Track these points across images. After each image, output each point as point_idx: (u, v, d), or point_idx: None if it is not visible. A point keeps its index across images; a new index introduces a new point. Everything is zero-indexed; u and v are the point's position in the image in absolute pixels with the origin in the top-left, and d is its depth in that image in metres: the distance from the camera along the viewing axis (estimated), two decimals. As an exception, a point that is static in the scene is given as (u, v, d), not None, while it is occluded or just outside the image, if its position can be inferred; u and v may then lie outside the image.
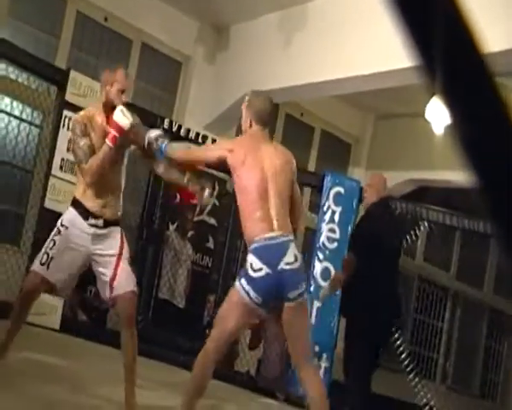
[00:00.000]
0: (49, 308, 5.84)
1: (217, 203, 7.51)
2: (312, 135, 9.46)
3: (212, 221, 7.47)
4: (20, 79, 6.70)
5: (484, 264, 10.50)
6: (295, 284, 3.31)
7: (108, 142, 3.64)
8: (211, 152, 3.63)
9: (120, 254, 3.76)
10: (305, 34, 7.17)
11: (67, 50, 7.58)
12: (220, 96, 8.11)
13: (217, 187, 7.54)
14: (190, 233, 7.23)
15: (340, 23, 6.71)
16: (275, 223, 3.36)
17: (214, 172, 7.38)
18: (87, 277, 6.89)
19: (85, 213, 3.72)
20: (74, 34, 7.63)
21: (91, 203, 3.73)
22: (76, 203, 3.76)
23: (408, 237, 7.02)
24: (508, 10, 5.26)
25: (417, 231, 7.87)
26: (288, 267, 3.29)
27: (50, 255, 3.67)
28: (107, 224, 3.77)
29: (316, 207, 7.82)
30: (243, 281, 3.33)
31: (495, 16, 5.10)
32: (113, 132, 3.64)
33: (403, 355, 7.43)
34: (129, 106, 7.22)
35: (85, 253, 3.72)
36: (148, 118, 6.83)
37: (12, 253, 6.53)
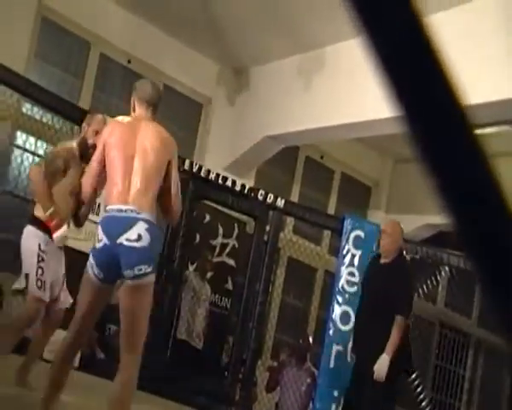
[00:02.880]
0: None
1: (236, 245, 7.49)
2: (332, 178, 9.45)
3: (232, 262, 7.44)
4: (44, 119, 6.79)
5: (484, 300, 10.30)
6: (131, 263, 3.15)
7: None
8: (95, 155, 3.52)
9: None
10: (325, 77, 7.22)
11: (91, 91, 7.68)
12: (240, 137, 8.16)
13: (236, 229, 7.53)
14: (209, 274, 7.20)
15: (359, 66, 6.73)
16: (130, 197, 3.25)
17: (233, 214, 7.39)
18: (105, 315, 6.86)
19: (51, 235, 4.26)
20: (97, 76, 7.75)
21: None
22: (40, 223, 4.25)
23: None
24: (492, 64, 5.34)
25: (438, 276, 7.78)
26: (126, 243, 3.15)
27: (43, 280, 4.24)
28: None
29: (335, 250, 7.77)
30: (90, 256, 3.26)
31: (480, 70, 5.18)
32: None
33: (424, 403, 7.29)
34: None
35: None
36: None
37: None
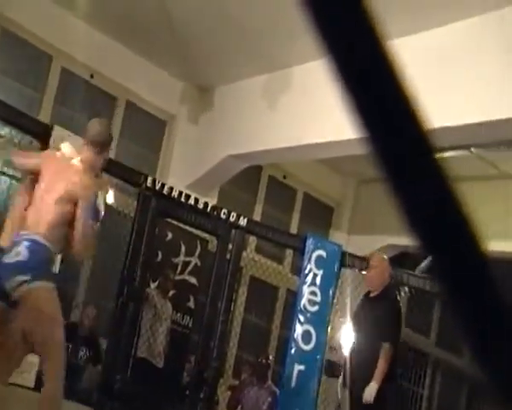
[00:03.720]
0: (27, 366, 5.65)
1: (198, 263, 7.44)
2: (295, 197, 9.49)
3: (194, 281, 7.39)
4: (2, 132, 6.66)
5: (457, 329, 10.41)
6: (8, 276, 3.42)
7: None
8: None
9: None
10: (289, 98, 7.26)
11: (51, 106, 7.58)
12: (204, 155, 8.14)
13: (198, 247, 7.49)
14: (171, 292, 7.14)
15: (324, 87, 6.80)
16: (30, 225, 3.58)
17: (196, 232, 7.35)
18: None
19: None
20: (59, 90, 7.66)
21: None
22: None
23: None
24: (455, 88, 5.47)
25: (398, 296, 7.83)
26: (6, 261, 3.47)
27: None
28: None
29: (297, 269, 7.78)
30: None
31: (442, 93, 5.30)
32: None
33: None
34: (112, 163, 7.20)
35: None
36: (131, 175, 6.83)
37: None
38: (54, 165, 3.81)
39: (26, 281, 3.40)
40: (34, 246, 3.50)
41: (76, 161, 3.82)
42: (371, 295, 5.52)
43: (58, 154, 3.93)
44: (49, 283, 3.52)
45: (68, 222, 3.68)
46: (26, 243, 3.50)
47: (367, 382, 5.07)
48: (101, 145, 3.79)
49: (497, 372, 0.50)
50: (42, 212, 3.64)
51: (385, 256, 5.71)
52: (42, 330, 3.44)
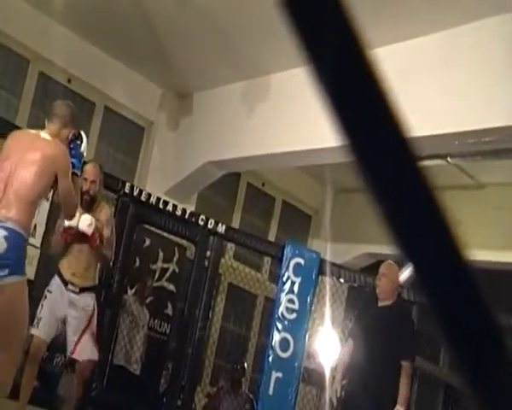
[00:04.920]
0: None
1: (176, 270, 7.42)
2: (273, 205, 9.50)
3: (171, 287, 7.36)
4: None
5: (439, 339, 10.47)
6: None
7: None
8: None
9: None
10: (268, 105, 7.27)
11: (28, 110, 7.52)
12: (182, 162, 8.12)
13: (176, 253, 7.46)
14: (149, 299, 7.10)
15: (302, 95, 6.82)
16: (2, 211, 3.49)
17: (174, 238, 7.32)
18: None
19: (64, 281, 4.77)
20: (36, 94, 7.59)
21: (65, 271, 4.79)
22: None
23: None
24: (432, 97, 5.53)
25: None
26: None
27: (39, 317, 4.60)
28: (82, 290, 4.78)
29: (275, 277, 7.78)
30: None
31: (419, 102, 5.35)
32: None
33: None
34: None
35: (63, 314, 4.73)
36: (108, 181, 6.79)
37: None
38: (21, 140, 3.81)
39: (1, 277, 3.33)
40: (12, 237, 3.40)
41: (44, 134, 3.86)
42: (382, 304, 5.23)
43: (22, 131, 4.08)
44: (23, 277, 3.48)
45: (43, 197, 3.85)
46: (3, 233, 3.38)
47: (386, 401, 4.84)
48: (66, 117, 3.93)
49: (478, 379, 0.50)
50: (14, 190, 3.54)
51: (394, 264, 5.50)
52: (9, 327, 3.39)
